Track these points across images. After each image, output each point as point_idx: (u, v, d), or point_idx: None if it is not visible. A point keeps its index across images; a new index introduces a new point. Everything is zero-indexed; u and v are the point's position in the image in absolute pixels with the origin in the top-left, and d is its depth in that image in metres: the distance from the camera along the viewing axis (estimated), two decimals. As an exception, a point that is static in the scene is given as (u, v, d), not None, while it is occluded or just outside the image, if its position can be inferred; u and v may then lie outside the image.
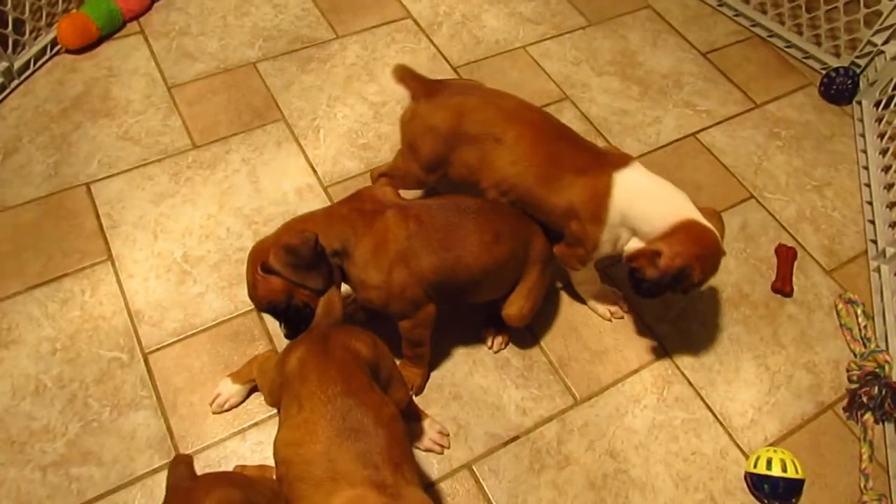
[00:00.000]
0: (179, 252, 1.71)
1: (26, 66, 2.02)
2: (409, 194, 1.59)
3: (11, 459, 1.40)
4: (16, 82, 2.00)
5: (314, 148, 1.95)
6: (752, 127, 2.15)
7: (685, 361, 1.63)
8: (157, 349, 1.55)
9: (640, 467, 1.47)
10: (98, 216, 1.76)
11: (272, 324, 1.59)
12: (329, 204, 1.80)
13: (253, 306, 1.61)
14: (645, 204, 1.41)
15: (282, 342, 1.41)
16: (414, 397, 1.51)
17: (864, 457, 1.50)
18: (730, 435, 1.53)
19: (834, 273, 1.82)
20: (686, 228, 1.39)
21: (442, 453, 1.45)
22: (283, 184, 1.86)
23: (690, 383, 1.60)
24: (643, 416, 1.54)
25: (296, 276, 1.25)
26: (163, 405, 1.48)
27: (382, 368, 1.21)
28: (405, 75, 1.53)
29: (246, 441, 1.45)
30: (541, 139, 1.46)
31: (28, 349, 1.54)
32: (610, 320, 1.68)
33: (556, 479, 1.44)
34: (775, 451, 1.44)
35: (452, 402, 1.53)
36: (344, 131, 1.99)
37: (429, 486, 1.41)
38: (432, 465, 1.44)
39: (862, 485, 1.47)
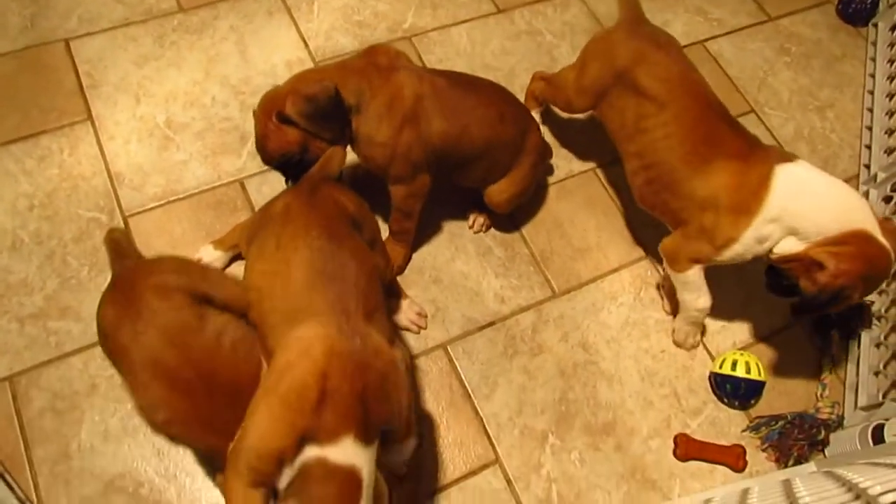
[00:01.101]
0: (163, 117, 1.66)
1: None
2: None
3: (-11, 309, 1.41)
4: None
5: (307, 21, 1.86)
6: (762, 40, 2.09)
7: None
8: (138, 213, 1.53)
9: (610, 360, 1.51)
10: (77, 74, 1.69)
11: (255, 194, 1.57)
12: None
13: (235, 178, 1.60)
14: (815, 201, 1.26)
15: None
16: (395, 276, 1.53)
17: (825, 369, 1.56)
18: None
19: (822, 191, 1.82)
20: (859, 241, 1.23)
21: (418, 332, 1.48)
22: (272, 56, 1.78)
23: (667, 286, 1.62)
24: (618, 313, 1.57)
25: (313, 125, 1.22)
26: (142, 267, 1.48)
27: (366, 230, 1.20)
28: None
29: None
30: (703, 118, 1.36)
31: (4, 204, 1.52)
32: (680, 346, 1.56)
33: (527, 365, 1.48)
34: (741, 355, 1.48)
35: (432, 284, 1.54)
36: (339, 5, 1.90)
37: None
38: (409, 343, 1.47)
39: (818, 393, 1.53)
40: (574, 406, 1.45)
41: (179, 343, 1.00)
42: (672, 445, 1.43)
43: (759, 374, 1.46)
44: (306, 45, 1.82)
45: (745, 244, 1.31)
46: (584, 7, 2.05)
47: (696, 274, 1.41)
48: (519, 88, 1.84)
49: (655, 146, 1.39)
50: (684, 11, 2.10)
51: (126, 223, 1.52)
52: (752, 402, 1.50)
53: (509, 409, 1.43)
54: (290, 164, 1.28)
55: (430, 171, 1.38)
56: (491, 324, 1.52)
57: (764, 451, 1.45)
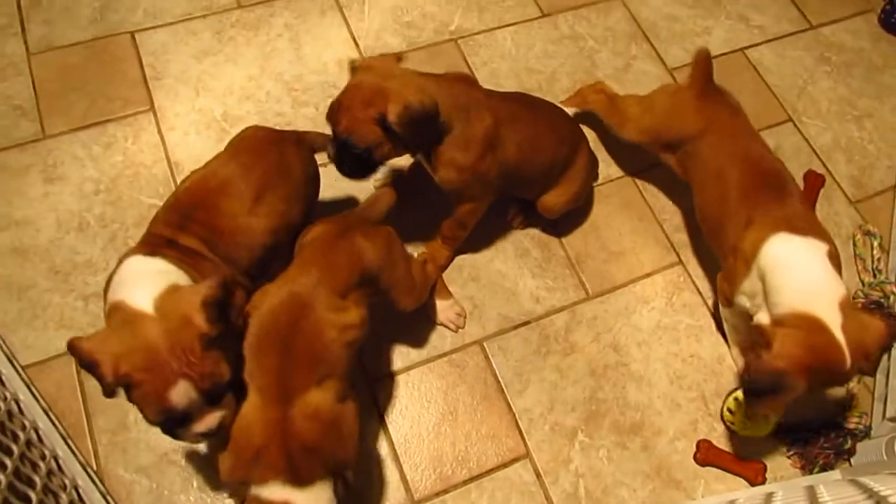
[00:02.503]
0: (220, 110, 1.74)
1: None
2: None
3: (56, 286, 1.50)
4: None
5: (358, 20, 1.92)
6: (802, 48, 2.10)
7: (698, 271, 1.69)
8: (195, 201, 1.62)
9: (640, 362, 1.56)
10: (142, 66, 1.77)
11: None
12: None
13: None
14: (783, 273, 1.26)
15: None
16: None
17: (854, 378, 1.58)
18: (728, 344, 1.61)
19: (858, 204, 1.84)
20: (810, 328, 1.18)
21: (455, 332, 1.54)
22: (324, 54, 1.85)
23: (699, 292, 1.66)
24: (650, 317, 1.62)
25: (404, 134, 1.23)
26: (198, 253, 1.56)
27: (385, 278, 1.25)
28: (704, 61, 1.54)
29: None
30: (754, 188, 1.40)
31: (72, 187, 1.61)
32: (740, 375, 1.52)
33: (559, 364, 1.54)
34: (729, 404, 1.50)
35: (471, 282, 1.60)
36: (389, 6, 1.96)
37: (440, 357, 1.51)
38: (446, 339, 1.53)
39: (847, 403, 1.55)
40: (604, 405, 1.50)
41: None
42: (695, 449, 1.48)
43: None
44: (357, 44, 1.88)
45: (743, 297, 1.37)
46: (626, 12, 2.08)
47: (732, 316, 1.49)
48: (560, 91, 1.88)
49: (706, 209, 1.51)
50: (726, 18, 2.12)
51: (184, 211, 1.60)
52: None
53: (541, 406, 1.49)
54: (348, 151, 1.28)
55: (495, 189, 1.45)
56: (526, 323, 1.57)
57: (790, 457, 1.49)
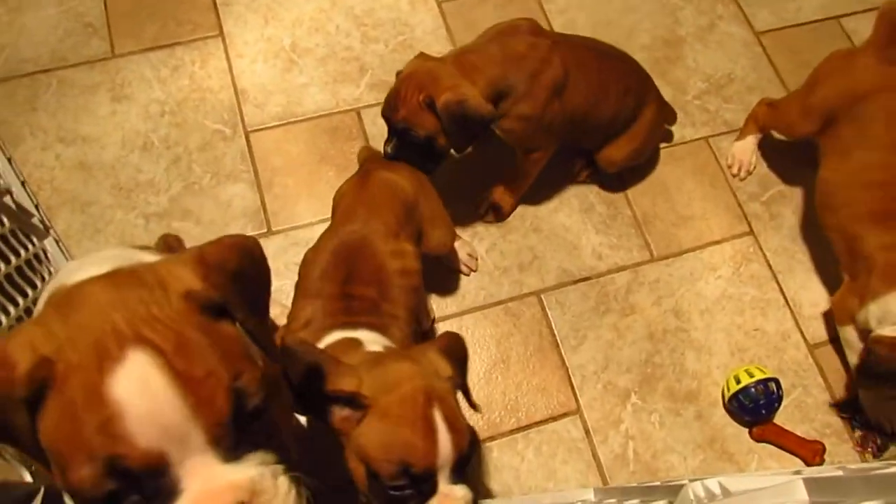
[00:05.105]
0: (288, 40, 1.71)
1: None
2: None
3: (119, 203, 1.51)
4: None
5: (434, -41, 1.86)
6: (901, 21, 1.96)
7: (769, 243, 1.61)
8: (259, 129, 1.60)
9: (701, 331, 1.50)
10: (213, -10, 1.75)
11: (370, 126, 1.61)
12: (442, 21, 1.76)
13: (352, 106, 1.64)
14: None
15: (376, 143, 1.43)
16: (497, 222, 1.55)
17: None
18: (796, 321, 1.53)
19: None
20: None
21: (468, 275, 1.50)
22: (397, -10, 1.80)
23: (769, 265, 1.59)
24: (715, 285, 1.55)
25: (453, 130, 1.23)
26: (259, 181, 1.55)
27: (423, 210, 1.23)
28: (889, 14, 1.38)
29: (332, 230, 1.52)
30: None
31: (139, 108, 1.61)
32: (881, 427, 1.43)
33: (617, 323, 1.49)
34: (735, 370, 1.41)
35: (532, 233, 1.56)
36: (466, -54, 1.89)
37: (496, 304, 1.48)
38: (502, 287, 1.50)
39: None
40: (659, 370, 1.46)
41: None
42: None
43: (764, 373, 1.39)
44: (431, -17, 1.82)
45: (871, 315, 1.27)
46: (714, -30, 1.97)
47: (852, 338, 1.37)
48: (638, 47, 1.80)
49: (855, 180, 1.33)
50: (822, -16, 1.99)
51: (247, 138, 1.59)
52: (780, 397, 1.40)
53: (595, 364, 1.44)
54: (404, 137, 1.26)
55: (560, 138, 1.40)
56: (586, 279, 1.52)
57: (855, 438, 1.41)
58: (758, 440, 1.41)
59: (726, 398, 1.41)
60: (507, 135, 1.35)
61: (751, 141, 1.65)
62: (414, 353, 0.88)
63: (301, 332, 1.02)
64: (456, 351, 0.90)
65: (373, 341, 0.97)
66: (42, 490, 0.73)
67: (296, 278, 1.13)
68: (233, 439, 0.57)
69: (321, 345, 0.95)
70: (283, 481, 0.61)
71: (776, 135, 1.66)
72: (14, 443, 0.57)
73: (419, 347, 0.92)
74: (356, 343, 0.96)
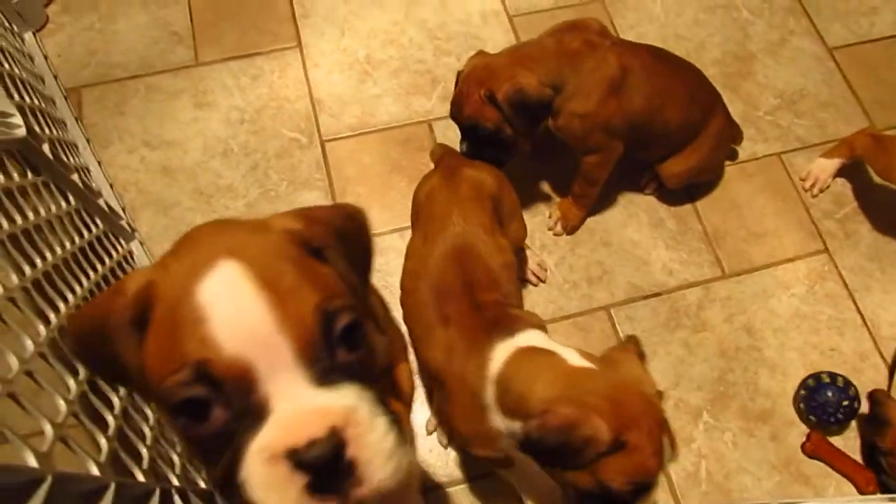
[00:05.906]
0: (363, 52, 1.75)
1: None
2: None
3: (199, 207, 1.56)
4: None
5: (505, -27, 1.89)
6: (982, 38, 1.91)
7: (845, 261, 1.58)
8: (334, 139, 1.64)
9: (775, 349, 1.48)
10: (291, 2, 1.80)
11: (441, 137, 1.64)
12: (513, 35, 1.79)
13: (424, 118, 1.67)
14: None
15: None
16: (566, 236, 1.55)
17: None
18: (875, 341, 1.50)
19: None
20: None
21: (537, 285, 1.50)
22: (469, 4, 1.82)
23: (845, 283, 1.55)
24: (788, 304, 1.53)
25: (516, 117, 1.25)
26: (333, 190, 1.58)
27: (505, 204, 1.24)
28: None
29: (404, 239, 1.54)
30: None
31: (220, 114, 1.66)
32: None
33: (688, 340, 1.47)
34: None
35: (601, 247, 1.56)
36: (538, -39, 1.91)
37: (565, 318, 1.48)
38: (571, 301, 1.50)
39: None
40: (732, 388, 1.43)
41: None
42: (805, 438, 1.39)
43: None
44: (502, -3, 1.85)
45: None
46: (785, -14, 1.95)
47: None
48: (708, 62, 1.79)
49: None
50: (896, -1, 1.95)
51: (323, 147, 1.62)
52: (855, 411, 1.38)
53: (666, 380, 1.43)
54: (475, 134, 1.29)
55: (623, 141, 1.39)
56: (656, 294, 1.51)
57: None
58: (809, 455, 1.38)
59: (801, 393, 1.40)
60: (563, 133, 1.36)
61: (836, 163, 1.62)
62: (624, 365, 0.93)
63: (451, 361, 1.02)
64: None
65: (558, 347, 0.95)
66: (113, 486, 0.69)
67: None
68: (325, 364, 0.55)
69: (493, 363, 0.95)
70: (382, 422, 0.56)
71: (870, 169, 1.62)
72: (125, 379, 0.59)
73: (624, 355, 0.95)
74: (548, 354, 0.94)
